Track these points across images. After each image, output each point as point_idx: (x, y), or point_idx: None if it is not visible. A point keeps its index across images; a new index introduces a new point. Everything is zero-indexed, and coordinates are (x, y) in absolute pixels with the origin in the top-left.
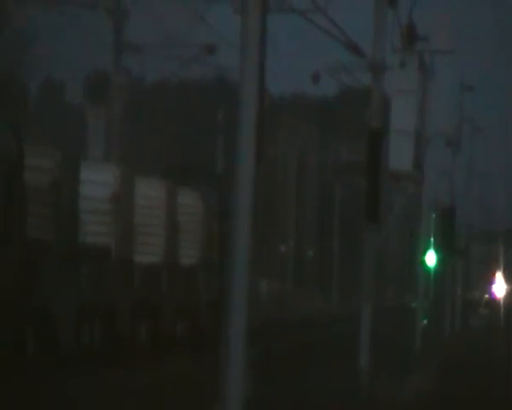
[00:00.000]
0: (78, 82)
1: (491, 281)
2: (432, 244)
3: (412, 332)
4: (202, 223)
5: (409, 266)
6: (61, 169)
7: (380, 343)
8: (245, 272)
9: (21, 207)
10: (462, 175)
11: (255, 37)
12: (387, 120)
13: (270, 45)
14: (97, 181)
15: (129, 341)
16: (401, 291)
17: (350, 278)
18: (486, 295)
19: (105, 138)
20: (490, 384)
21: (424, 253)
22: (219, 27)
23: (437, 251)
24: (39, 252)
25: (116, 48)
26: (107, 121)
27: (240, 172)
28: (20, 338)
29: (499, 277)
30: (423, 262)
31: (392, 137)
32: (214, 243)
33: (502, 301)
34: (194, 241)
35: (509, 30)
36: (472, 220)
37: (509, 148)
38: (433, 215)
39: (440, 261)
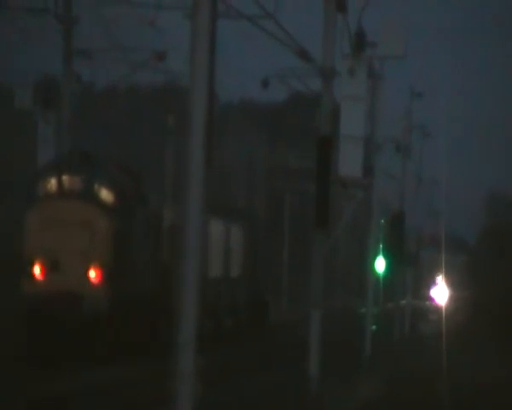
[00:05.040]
0: (28, 88)
1: (433, 287)
2: (381, 250)
3: (361, 338)
4: (242, 248)
5: (358, 272)
6: (174, 216)
7: (329, 349)
8: (195, 279)
9: (161, 244)
10: (412, 181)
11: (204, 42)
12: (337, 125)
13: (219, 51)
14: None
15: (213, 328)
16: (350, 297)
17: (299, 285)
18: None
19: (55, 144)
20: (436, 391)
21: (374, 259)
22: (169, 33)
23: (386, 257)
24: (165, 273)
25: (66, 53)
26: (57, 127)
27: (190, 176)
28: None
29: (440, 282)
30: (373, 268)
31: (342, 143)
32: (250, 261)
33: (443, 308)
34: (238, 260)
35: (460, 35)
36: (421, 226)
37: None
38: (382, 221)
39: (390, 267)
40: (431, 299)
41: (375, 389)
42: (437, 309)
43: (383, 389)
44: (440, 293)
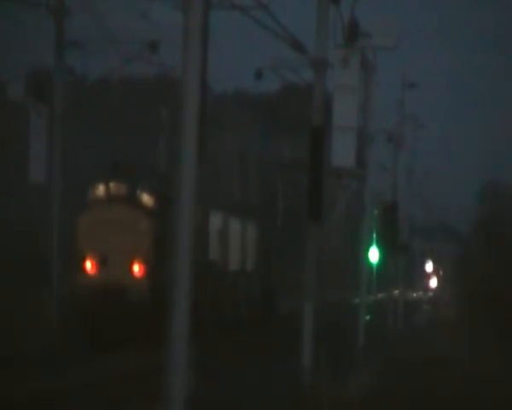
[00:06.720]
0: (20, 80)
1: (424, 277)
2: (374, 240)
3: (355, 329)
4: (255, 242)
5: (351, 263)
6: (202, 217)
7: (323, 340)
8: (187, 272)
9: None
10: (404, 171)
11: (197, 34)
12: (330, 116)
13: (212, 42)
14: (212, 222)
15: (232, 315)
16: (343, 288)
17: (292, 276)
18: (430, 293)
19: (47, 136)
20: (430, 383)
21: (367, 249)
22: (161, 24)
23: (379, 247)
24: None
25: (58, 45)
26: (50, 119)
27: (182, 169)
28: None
29: (431, 272)
30: (366, 258)
31: (335, 134)
32: (263, 256)
33: (435, 298)
34: (253, 255)
35: (453, 27)
36: (414, 216)
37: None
38: (376, 211)
39: (383, 257)
40: (423, 289)
41: (368, 381)
42: (429, 299)
43: (376, 381)
44: (432, 283)
